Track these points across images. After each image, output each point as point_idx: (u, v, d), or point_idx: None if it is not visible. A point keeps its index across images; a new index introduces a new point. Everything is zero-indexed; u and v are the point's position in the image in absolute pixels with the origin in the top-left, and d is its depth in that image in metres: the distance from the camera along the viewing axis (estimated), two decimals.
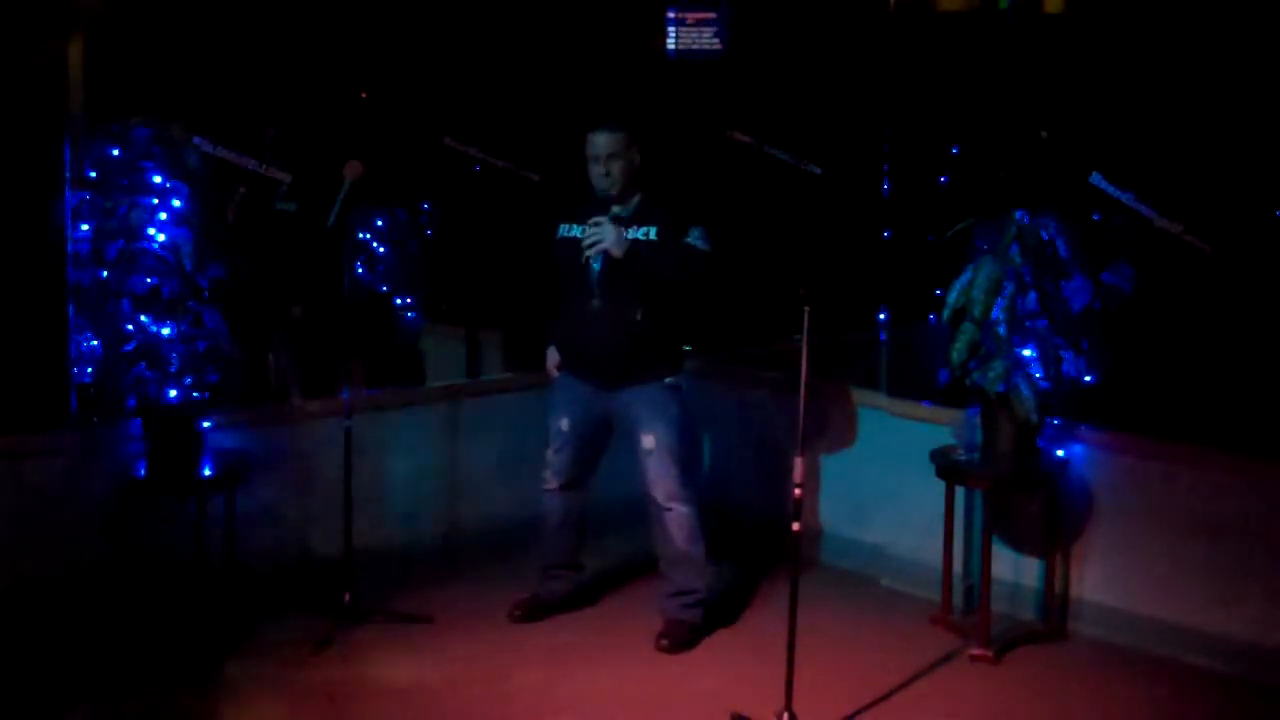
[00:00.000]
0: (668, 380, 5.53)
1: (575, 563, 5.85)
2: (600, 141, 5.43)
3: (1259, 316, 5.89)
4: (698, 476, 5.78)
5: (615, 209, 5.46)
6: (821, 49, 7.51)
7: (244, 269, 5.69)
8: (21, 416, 5.53)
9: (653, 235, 5.38)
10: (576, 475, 5.69)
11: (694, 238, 5.39)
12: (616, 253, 5.30)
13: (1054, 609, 5.72)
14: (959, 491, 5.75)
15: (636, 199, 5.48)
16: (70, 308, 5.57)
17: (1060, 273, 5.34)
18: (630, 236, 5.37)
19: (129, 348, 5.35)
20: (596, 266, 5.44)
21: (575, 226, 5.51)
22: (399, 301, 7.38)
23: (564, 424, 5.64)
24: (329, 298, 6.11)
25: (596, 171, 5.43)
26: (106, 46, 5.73)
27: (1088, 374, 5.45)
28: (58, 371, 5.64)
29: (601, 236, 5.30)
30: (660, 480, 5.50)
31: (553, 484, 5.70)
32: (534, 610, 5.74)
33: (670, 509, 5.51)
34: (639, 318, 5.40)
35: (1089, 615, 5.67)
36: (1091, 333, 5.42)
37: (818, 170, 7.33)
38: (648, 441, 5.48)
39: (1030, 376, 5.35)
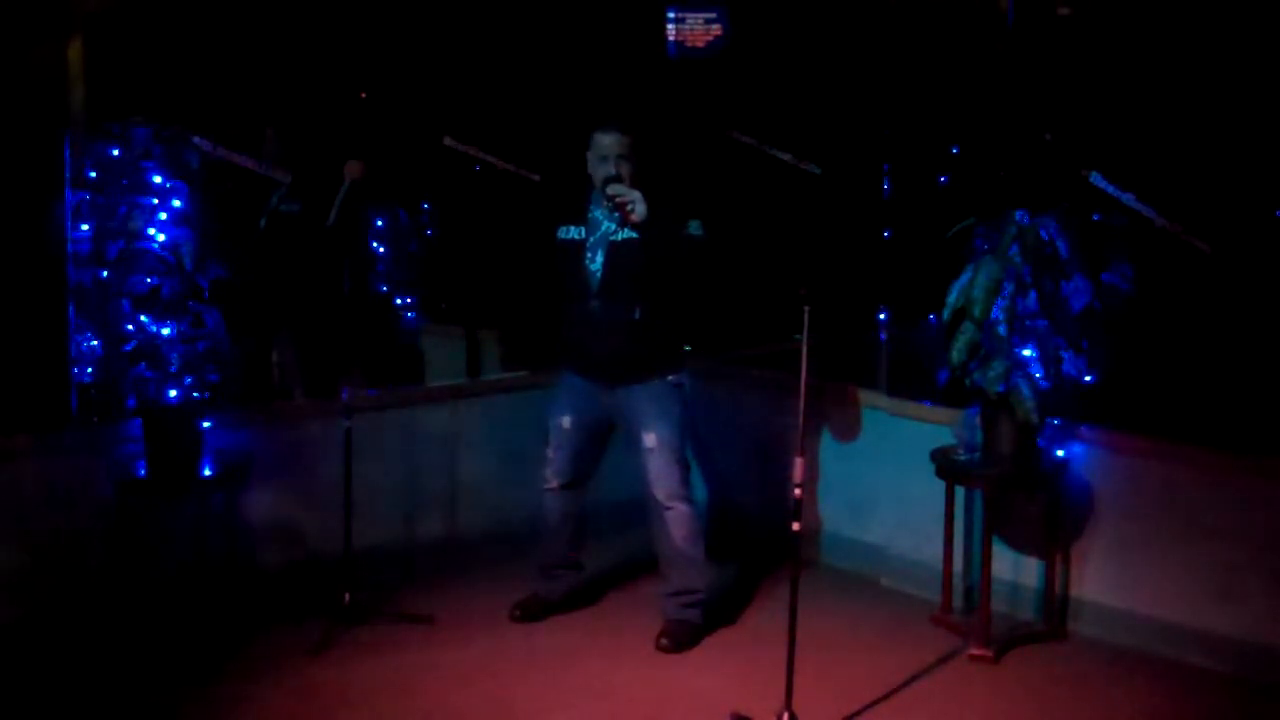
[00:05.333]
0: (670, 378, 5.53)
1: (575, 562, 5.85)
2: (608, 142, 5.43)
3: (1259, 316, 5.89)
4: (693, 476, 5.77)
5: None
6: (821, 49, 7.50)
7: (244, 268, 5.70)
8: (21, 416, 5.53)
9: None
10: (576, 474, 5.69)
11: (692, 229, 5.40)
12: (641, 212, 5.27)
13: (1054, 609, 5.71)
14: (959, 491, 5.75)
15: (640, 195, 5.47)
16: (70, 308, 5.58)
17: (1060, 273, 5.35)
18: (628, 234, 5.38)
19: (129, 348, 5.36)
20: (595, 267, 5.45)
21: (573, 228, 5.52)
22: (399, 301, 7.38)
23: (565, 422, 5.64)
24: (329, 298, 6.11)
25: (604, 170, 5.43)
26: (106, 47, 5.73)
27: (1088, 374, 5.45)
28: (58, 371, 5.64)
29: (631, 196, 5.30)
30: (661, 479, 5.50)
31: (553, 483, 5.70)
32: (534, 609, 5.74)
33: (671, 508, 5.51)
34: (637, 316, 5.41)
35: (1089, 615, 5.67)
36: (1091, 333, 5.42)
37: (818, 170, 7.33)
38: (649, 440, 5.49)
39: (1030, 376, 5.35)
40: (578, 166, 5.54)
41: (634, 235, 5.38)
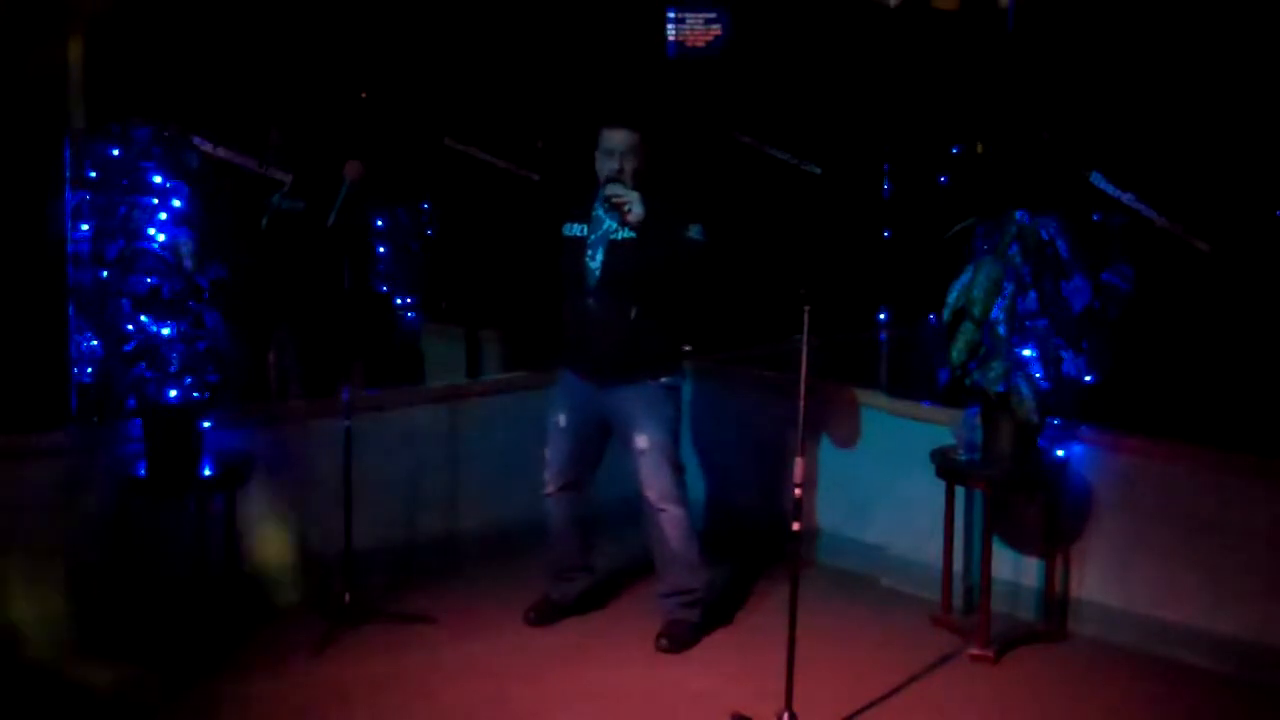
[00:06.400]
0: (664, 380, 5.53)
1: (586, 564, 5.82)
2: (616, 138, 5.43)
3: (1259, 316, 5.89)
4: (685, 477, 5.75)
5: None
6: (822, 48, 7.51)
7: (244, 268, 5.69)
8: (21, 416, 5.53)
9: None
10: (575, 476, 5.67)
11: (693, 233, 5.40)
12: (638, 213, 5.27)
13: (1054, 609, 5.72)
14: (959, 491, 5.75)
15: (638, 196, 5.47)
16: (70, 308, 5.58)
17: (1060, 273, 5.34)
18: (628, 234, 5.38)
19: (129, 348, 5.36)
20: (594, 265, 5.45)
21: (577, 225, 5.51)
22: (399, 301, 7.38)
23: (561, 420, 5.63)
24: (330, 298, 6.11)
25: (609, 166, 5.43)
26: (106, 47, 5.74)
27: (1088, 374, 5.45)
28: (58, 371, 5.64)
29: (629, 197, 5.30)
30: (653, 481, 5.49)
31: (551, 487, 5.68)
32: (547, 613, 5.72)
33: (664, 510, 5.50)
34: (633, 317, 5.41)
35: (1089, 615, 5.67)
36: (1091, 333, 5.42)
37: (818, 170, 7.34)
38: (641, 442, 5.48)
39: (1030, 376, 5.35)
40: (585, 164, 5.54)
41: (634, 235, 5.38)
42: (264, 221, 6.71)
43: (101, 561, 5.53)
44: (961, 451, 5.65)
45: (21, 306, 5.58)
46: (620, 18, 7.32)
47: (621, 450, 5.62)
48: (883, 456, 6.22)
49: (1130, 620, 5.56)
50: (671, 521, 5.52)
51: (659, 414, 5.50)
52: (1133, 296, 5.49)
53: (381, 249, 7.21)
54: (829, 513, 6.45)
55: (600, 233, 5.48)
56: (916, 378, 6.16)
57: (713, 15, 7.39)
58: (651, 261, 5.35)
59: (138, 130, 5.40)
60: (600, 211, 5.50)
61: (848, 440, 6.35)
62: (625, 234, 5.41)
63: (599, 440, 5.68)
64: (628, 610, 5.86)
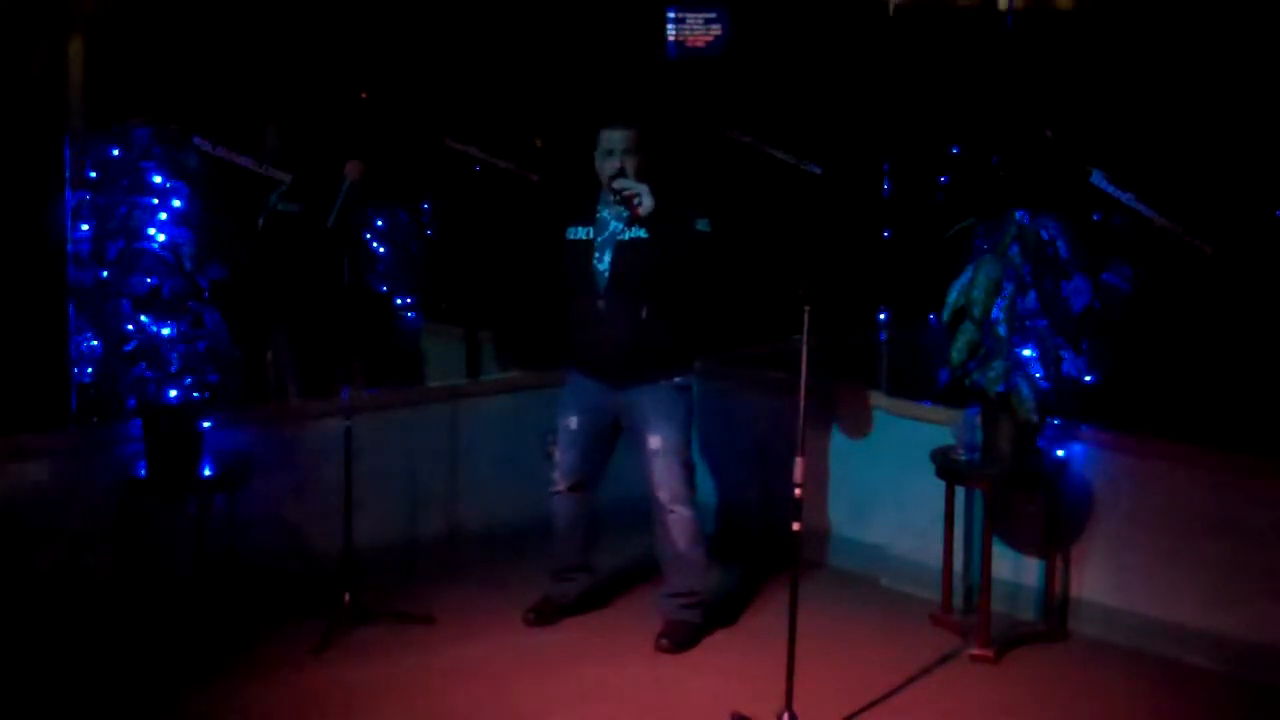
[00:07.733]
0: (677, 380, 5.52)
1: (586, 564, 5.83)
2: (615, 137, 5.43)
3: (1259, 316, 5.89)
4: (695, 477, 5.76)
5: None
6: (822, 48, 7.51)
7: (244, 268, 5.70)
8: (21, 416, 5.53)
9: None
10: (584, 476, 5.67)
11: (700, 225, 5.39)
12: (649, 205, 5.27)
13: (1054, 609, 5.72)
14: (959, 491, 5.75)
15: (647, 188, 5.45)
16: (70, 308, 5.58)
17: (1060, 273, 5.35)
18: (635, 234, 5.38)
19: (129, 348, 5.36)
20: (603, 267, 5.45)
21: (581, 228, 5.51)
22: (399, 301, 7.38)
23: (572, 423, 5.63)
24: (329, 298, 6.11)
25: (610, 166, 5.43)
26: (106, 47, 5.74)
27: (1088, 374, 5.45)
28: (58, 371, 5.64)
29: (639, 189, 5.30)
30: (666, 482, 5.49)
31: (560, 486, 5.68)
32: (547, 612, 5.72)
33: (674, 511, 5.50)
34: (645, 316, 5.40)
35: (1089, 615, 5.67)
36: (1091, 332, 5.42)
37: (818, 170, 7.33)
38: (654, 442, 5.48)
39: (1030, 376, 5.35)
40: (586, 167, 5.54)
41: (641, 234, 5.38)
42: (260, 221, 6.71)
43: (102, 562, 5.53)
44: (961, 451, 5.64)
45: (21, 306, 5.58)
46: (620, 18, 7.31)
47: (630, 450, 5.62)
48: (883, 456, 6.22)
49: (1130, 620, 5.56)
50: (680, 523, 5.51)
51: (673, 414, 5.50)
52: (1133, 296, 5.50)
53: (381, 249, 7.21)
54: (830, 513, 6.45)
55: (607, 234, 5.48)
56: (916, 378, 6.16)
57: (713, 15, 7.39)
58: (662, 258, 5.34)
59: (138, 130, 5.40)
60: (605, 213, 5.50)
61: (848, 440, 6.35)
62: (633, 234, 5.41)
63: (610, 441, 5.68)
64: (628, 610, 5.86)
